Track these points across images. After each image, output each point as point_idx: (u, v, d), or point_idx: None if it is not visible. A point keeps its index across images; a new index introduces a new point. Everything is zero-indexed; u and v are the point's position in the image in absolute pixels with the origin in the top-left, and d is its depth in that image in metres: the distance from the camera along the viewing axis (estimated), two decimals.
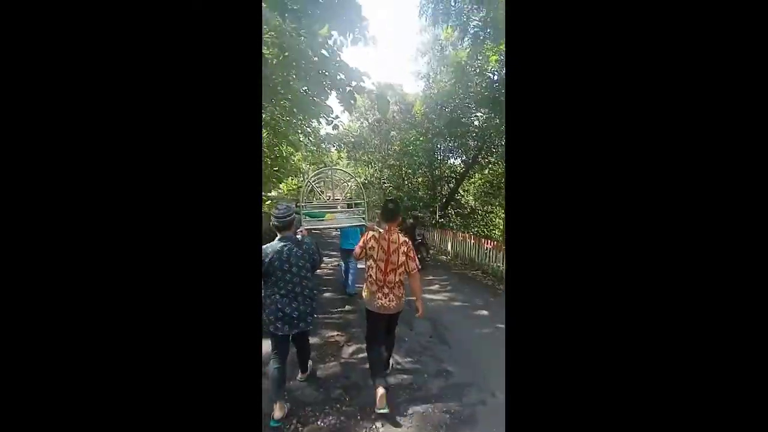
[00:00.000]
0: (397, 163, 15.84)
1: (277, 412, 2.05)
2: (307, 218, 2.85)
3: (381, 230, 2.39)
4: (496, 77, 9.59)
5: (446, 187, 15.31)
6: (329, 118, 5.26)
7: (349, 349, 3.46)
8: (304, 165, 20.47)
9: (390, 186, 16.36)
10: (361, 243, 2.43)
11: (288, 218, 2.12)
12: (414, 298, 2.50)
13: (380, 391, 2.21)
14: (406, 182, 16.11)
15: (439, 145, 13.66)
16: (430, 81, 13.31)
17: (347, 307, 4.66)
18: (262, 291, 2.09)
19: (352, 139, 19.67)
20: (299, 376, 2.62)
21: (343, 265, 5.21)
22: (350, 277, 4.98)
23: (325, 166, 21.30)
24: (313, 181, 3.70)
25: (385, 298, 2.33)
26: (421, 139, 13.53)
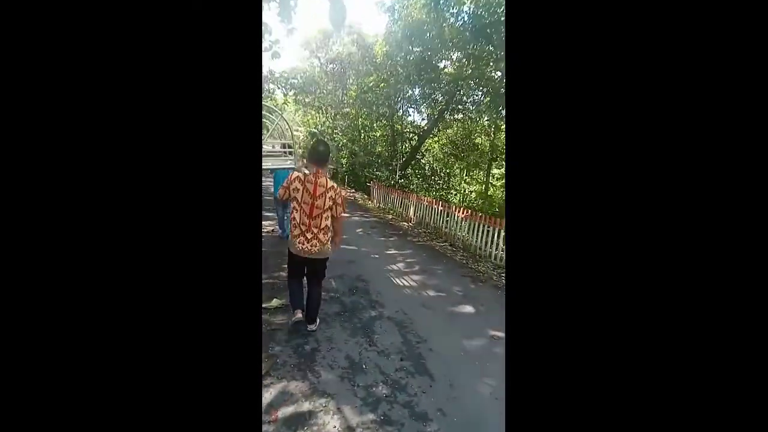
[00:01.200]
0: (353, 112, 13.72)
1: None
2: None
3: (307, 172, 2.30)
4: (471, 17, 7.95)
5: (407, 145, 13.71)
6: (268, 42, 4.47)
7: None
8: None
9: (344, 138, 14.31)
10: (285, 183, 2.33)
11: None
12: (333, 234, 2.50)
13: (297, 313, 2.47)
14: (362, 135, 14.17)
15: (401, 94, 11.76)
16: (396, 14, 11.06)
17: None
18: None
19: (301, 81, 16.89)
20: None
21: (279, 212, 5.15)
22: (286, 224, 4.77)
23: (270, 111, 18.68)
24: None
25: (308, 242, 2.29)
26: (381, 84, 11.56)
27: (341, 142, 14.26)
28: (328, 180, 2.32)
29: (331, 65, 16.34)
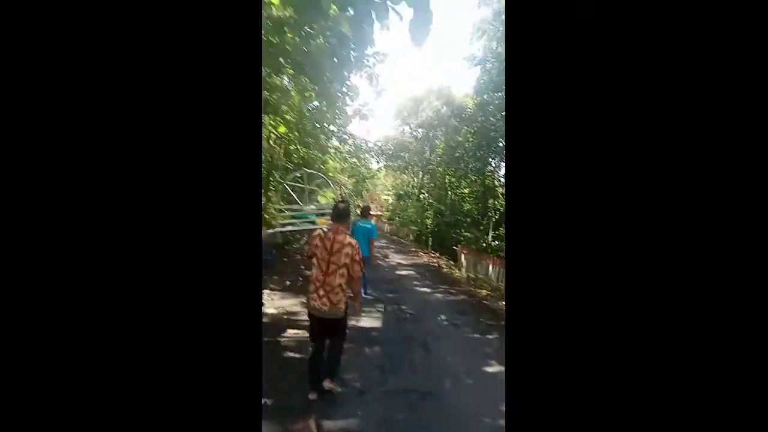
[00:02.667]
0: (440, 169, 12.91)
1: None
2: (296, 220, 3.79)
3: (326, 228, 2.33)
4: None
5: (499, 201, 11.94)
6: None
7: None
8: (342, 177, 18.72)
9: (430, 198, 13.37)
10: (308, 241, 2.41)
11: None
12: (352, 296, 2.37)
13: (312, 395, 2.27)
14: (449, 193, 13.03)
15: (494, 145, 10.50)
16: (488, 65, 10.44)
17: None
18: None
19: (392, 148, 17.33)
20: None
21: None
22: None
23: (363, 178, 19.68)
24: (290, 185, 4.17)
25: (319, 299, 2.18)
26: (471, 138, 10.63)
27: (426, 202, 13.32)
28: (348, 237, 2.21)
29: (421, 129, 16.48)
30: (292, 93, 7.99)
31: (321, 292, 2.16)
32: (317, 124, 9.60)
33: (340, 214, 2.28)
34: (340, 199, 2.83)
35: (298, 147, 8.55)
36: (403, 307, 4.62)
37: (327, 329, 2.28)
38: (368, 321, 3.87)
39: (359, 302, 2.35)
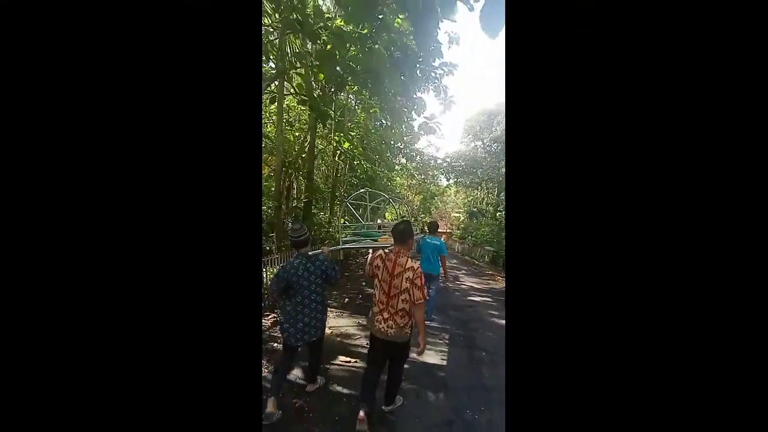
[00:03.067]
0: None
1: (270, 407, 2.11)
2: (360, 237, 3.55)
3: (387, 249, 2.15)
4: None
5: None
6: (420, 117, 4.88)
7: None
8: (409, 193, 18.58)
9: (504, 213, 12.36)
10: (369, 261, 2.22)
11: (302, 237, 2.19)
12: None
13: (360, 413, 2.04)
14: None
15: None
16: None
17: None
18: (286, 305, 2.21)
19: (463, 164, 16.66)
20: (308, 387, 2.51)
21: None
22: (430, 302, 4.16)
23: (431, 195, 19.21)
24: (352, 203, 4.17)
25: (385, 322, 2.05)
26: None
27: (502, 221, 12.32)
28: (409, 260, 2.05)
29: (495, 144, 15.53)
30: (357, 110, 8.15)
31: (385, 315, 2.04)
32: (383, 141, 9.66)
33: (401, 234, 2.07)
34: (401, 219, 2.59)
35: (363, 162, 8.56)
36: (477, 342, 3.80)
37: (389, 352, 2.14)
38: (433, 356, 3.20)
39: (423, 336, 2.03)
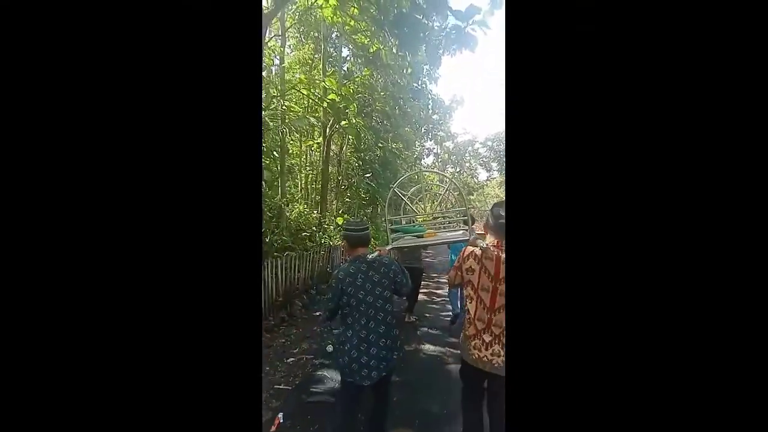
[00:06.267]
0: None
1: None
2: (401, 234, 2.49)
3: (484, 244, 1.51)
4: None
5: None
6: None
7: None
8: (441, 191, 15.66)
9: None
10: (456, 263, 1.60)
11: (362, 232, 1.62)
12: None
13: None
14: None
15: None
16: None
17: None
18: (338, 329, 1.65)
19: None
20: None
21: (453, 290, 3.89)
22: (458, 301, 3.58)
23: (470, 191, 15.94)
24: (400, 192, 2.92)
25: (487, 348, 1.47)
26: None
27: None
28: None
29: None
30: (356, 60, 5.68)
31: (487, 337, 1.49)
32: (398, 108, 7.04)
33: (501, 223, 1.49)
34: (501, 201, 1.62)
35: (366, 134, 5.94)
36: None
37: (493, 389, 1.57)
38: None
39: None
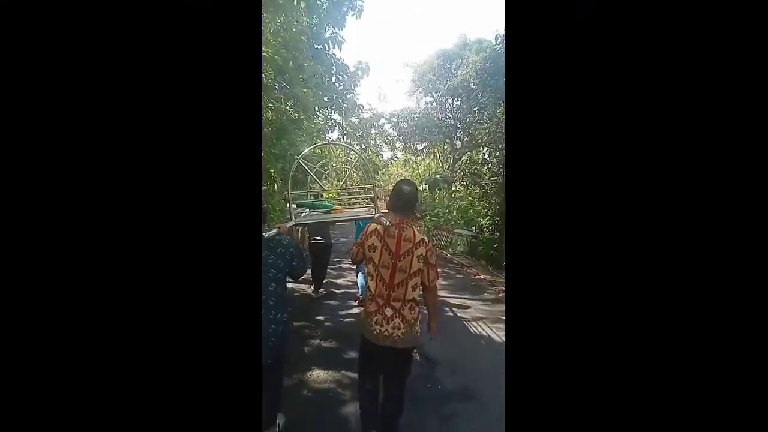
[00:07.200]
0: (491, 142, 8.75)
1: None
2: (309, 210, 2.48)
3: (388, 222, 1.58)
4: None
5: None
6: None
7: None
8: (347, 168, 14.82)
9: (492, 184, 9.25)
10: (359, 240, 1.69)
11: None
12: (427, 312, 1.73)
13: None
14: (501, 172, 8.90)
15: None
16: None
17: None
18: None
19: (412, 125, 13.27)
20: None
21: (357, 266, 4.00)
22: (361, 278, 3.67)
23: (375, 169, 15.44)
24: (306, 164, 2.91)
25: (388, 323, 1.55)
26: None
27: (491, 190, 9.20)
28: (417, 232, 1.57)
29: (453, 99, 12.37)
30: None
31: (388, 311, 1.55)
32: (292, 62, 5.77)
33: (405, 200, 1.60)
34: (404, 179, 1.75)
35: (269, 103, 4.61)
36: None
37: (395, 364, 1.62)
38: None
39: (435, 316, 1.70)
